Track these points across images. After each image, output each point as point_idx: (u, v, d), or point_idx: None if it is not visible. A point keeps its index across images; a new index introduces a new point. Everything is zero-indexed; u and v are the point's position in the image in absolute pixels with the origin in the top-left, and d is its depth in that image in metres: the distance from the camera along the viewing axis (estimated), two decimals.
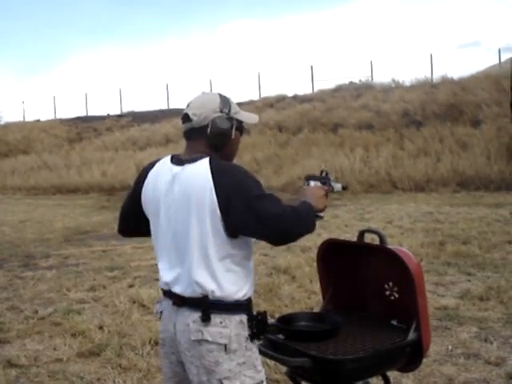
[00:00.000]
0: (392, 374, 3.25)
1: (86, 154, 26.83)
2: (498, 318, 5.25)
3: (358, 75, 29.66)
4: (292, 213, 2.15)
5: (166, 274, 2.25)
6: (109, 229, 12.35)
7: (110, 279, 7.35)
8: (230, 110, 2.28)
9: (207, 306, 2.13)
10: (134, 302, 6.05)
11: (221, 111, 2.26)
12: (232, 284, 2.17)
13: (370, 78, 28.47)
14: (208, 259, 2.14)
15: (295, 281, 6.88)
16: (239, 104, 2.39)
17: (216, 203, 2.10)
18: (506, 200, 13.89)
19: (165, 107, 33.40)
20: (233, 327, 2.16)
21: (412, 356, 2.64)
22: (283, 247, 8.81)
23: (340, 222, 11.24)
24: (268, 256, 8.29)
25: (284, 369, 3.42)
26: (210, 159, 2.17)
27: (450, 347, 4.60)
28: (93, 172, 23.44)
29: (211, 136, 2.24)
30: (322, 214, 2.35)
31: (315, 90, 29.17)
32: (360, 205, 14.33)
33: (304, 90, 30.26)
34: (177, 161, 2.26)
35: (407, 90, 24.67)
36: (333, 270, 3.04)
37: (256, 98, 30.19)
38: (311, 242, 9.18)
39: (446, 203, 14.02)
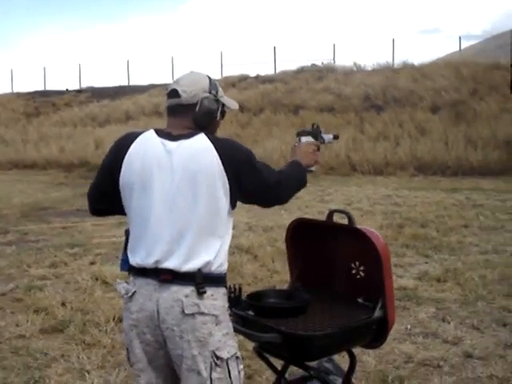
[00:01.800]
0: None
1: (43, 129, 26.24)
2: (455, 299, 5.42)
3: (321, 58, 29.76)
4: (286, 178, 2.37)
5: (151, 250, 2.21)
6: (68, 205, 12.23)
7: (70, 256, 7.30)
8: (217, 93, 2.33)
9: (202, 280, 2.16)
10: (97, 280, 6.03)
11: (209, 92, 2.29)
12: (221, 258, 2.23)
13: (333, 61, 28.60)
14: (210, 234, 2.18)
15: (257, 260, 6.95)
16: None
17: (225, 176, 2.18)
18: (462, 185, 14.22)
19: (125, 84, 32.94)
20: (220, 299, 2.22)
21: (377, 333, 2.71)
22: (245, 227, 8.89)
23: (301, 203, 11.33)
24: None
25: (249, 346, 3.49)
26: (205, 134, 2.22)
27: (408, 326, 4.73)
28: (51, 148, 22.98)
29: (198, 114, 2.27)
30: (313, 169, 2.54)
31: (277, 71, 29.15)
32: (320, 186, 14.46)
33: (266, 70, 30.23)
34: (167, 135, 2.26)
35: (369, 74, 24.86)
36: (301, 249, 3.09)
37: (218, 77, 30.00)
38: (273, 222, 9.29)
39: (404, 187, 14.28)
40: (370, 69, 25.82)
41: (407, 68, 24.47)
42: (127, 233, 2.38)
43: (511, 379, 3.80)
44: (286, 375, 3.04)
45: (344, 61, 41.91)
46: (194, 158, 2.19)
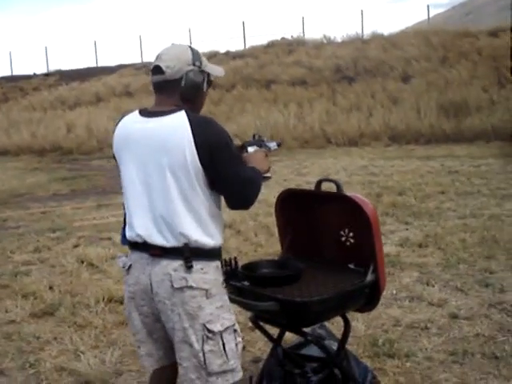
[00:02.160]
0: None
1: (13, 115, 25.75)
2: (437, 263, 5.54)
3: (290, 31, 29.62)
4: (257, 177, 2.33)
5: (140, 226, 2.25)
6: (44, 190, 12.13)
7: (53, 240, 7.26)
8: (201, 64, 2.32)
9: (189, 254, 2.19)
10: (82, 262, 6.03)
11: (193, 64, 2.28)
12: (210, 232, 2.25)
13: (302, 34, 28.51)
14: (190, 209, 2.20)
15: (241, 235, 7.01)
16: None
17: (196, 155, 2.15)
18: (436, 152, 14.39)
19: (93, 65, 32.52)
20: (211, 273, 2.25)
21: (370, 296, 2.79)
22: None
23: (278, 178, 11.35)
24: None
25: (240, 319, 3.56)
26: (185, 112, 2.20)
27: (394, 291, 4.83)
28: (22, 133, 22.59)
29: (184, 89, 2.27)
30: (269, 175, 2.51)
31: (247, 47, 29.02)
32: (296, 160, 14.51)
33: (236, 46, 30.05)
34: (147, 113, 2.28)
35: (339, 46, 24.84)
36: (291, 219, 3.15)
37: None
38: None
39: (380, 157, 14.40)
40: (339, 41, 25.82)
41: (377, 38, 24.50)
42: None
43: (497, 337, 3.92)
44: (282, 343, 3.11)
45: (314, 33, 41.84)
46: (166, 135, 2.19)
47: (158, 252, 2.22)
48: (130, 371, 3.73)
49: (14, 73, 34.00)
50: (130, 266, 2.34)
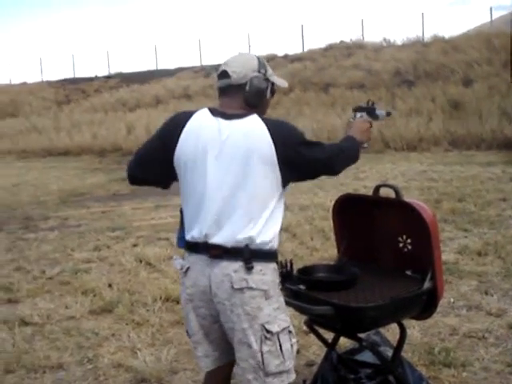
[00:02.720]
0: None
1: (75, 116, 26.57)
2: (497, 272, 5.40)
3: (349, 34, 29.46)
4: (338, 151, 2.45)
5: (203, 226, 2.29)
6: (104, 190, 12.43)
7: (112, 239, 7.44)
8: (266, 72, 2.39)
9: (250, 255, 2.22)
10: (141, 261, 6.15)
11: (259, 71, 2.36)
12: (271, 234, 2.29)
13: (361, 37, 28.27)
14: (258, 210, 2.24)
15: (296, 238, 7.00)
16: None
17: (276, 157, 2.23)
18: (497, 159, 14.02)
19: (153, 68, 33.12)
20: (269, 274, 2.28)
21: (427, 304, 2.75)
22: None
23: (335, 182, 11.28)
24: None
25: (295, 322, 3.56)
26: (258, 115, 2.29)
27: (452, 299, 4.74)
28: (83, 134, 23.25)
29: (249, 94, 2.33)
30: (366, 145, 2.64)
31: (306, 50, 28.98)
32: (354, 164, 14.36)
33: (294, 49, 30.07)
34: (221, 114, 2.32)
35: (398, 49, 24.54)
36: (348, 224, 3.14)
37: None
38: (308, 200, 9.34)
39: (439, 162, 14.13)
40: (399, 43, 25.50)
41: (437, 41, 24.07)
42: (182, 211, 2.46)
43: None
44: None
45: (373, 36, 41.48)
46: (246, 138, 2.25)
47: (218, 252, 2.25)
48: (185, 370, 3.79)
49: (77, 75, 34.98)
50: (187, 268, 2.37)
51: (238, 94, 2.34)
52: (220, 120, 2.31)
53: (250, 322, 2.23)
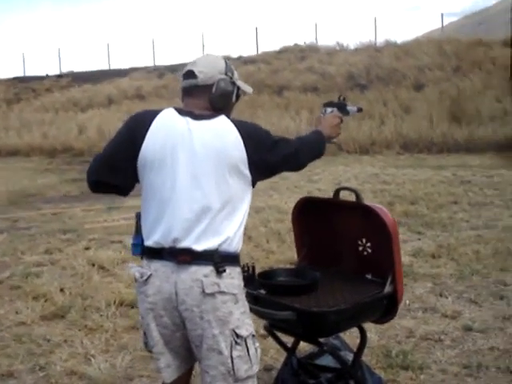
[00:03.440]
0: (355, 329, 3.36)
1: (25, 116, 25.89)
2: (451, 274, 5.48)
3: (303, 38, 29.64)
4: (302, 145, 2.43)
5: (170, 230, 2.20)
6: (55, 191, 12.17)
7: (64, 242, 7.25)
8: (232, 75, 2.36)
9: (220, 259, 2.17)
10: (93, 265, 6.00)
11: (226, 74, 2.32)
12: (238, 236, 2.26)
13: (315, 41, 28.49)
14: (230, 212, 2.21)
15: (252, 241, 6.96)
16: (184, 64, 2.45)
17: (246, 156, 2.20)
18: (448, 162, 14.32)
19: (106, 67, 32.64)
20: (237, 278, 2.24)
21: (388, 308, 2.75)
22: None
23: (289, 184, 11.34)
24: None
25: (255, 324, 3.52)
26: (225, 116, 2.27)
27: (407, 302, 4.78)
28: (33, 134, 22.72)
29: (214, 96, 2.29)
30: (335, 140, 2.67)
31: (260, 52, 29.00)
32: (307, 166, 14.40)
33: (248, 51, 30.08)
34: (189, 114, 2.26)
35: (352, 53, 24.84)
36: (308, 227, 3.12)
37: None
38: (263, 203, 9.32)
39: (391, 165, 14.34)
40: (352, 48, 25.81)
41: (390, 46, 24.49)
42: (138, 216, 2.37)
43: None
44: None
45: (326, 40, 41.86)
46: (217, 138, 2.21)
47: (187, 258, 2.17)
48: (141, 376, 3.70)
49: (27, 74, 34.18)
50: (149, 276, 2.25)
51: (204, 95, 2.29)
52: (189, 120, 2.25)
53: (221, 327, 2.18)
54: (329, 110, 2.76)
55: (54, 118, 24.71)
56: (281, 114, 20.44)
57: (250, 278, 2.61)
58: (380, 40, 26.35)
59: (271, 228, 7.48)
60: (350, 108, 2.83)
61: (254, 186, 2.32)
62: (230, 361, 2.18)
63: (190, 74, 2.30)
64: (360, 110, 2.92)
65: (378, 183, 11.41)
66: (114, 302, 4.78)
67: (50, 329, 4.45)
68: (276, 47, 28.16)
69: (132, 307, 4.76)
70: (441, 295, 4.95)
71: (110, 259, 6.15)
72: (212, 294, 2.16)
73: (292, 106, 21.14)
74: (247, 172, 2.24)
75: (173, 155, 2.21)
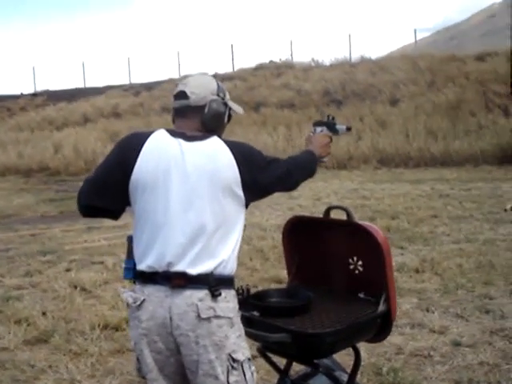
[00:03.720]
0: None
1: None
2: (436, 289, 5.50)
3: (278, 55, 29.84)
4: (294, 165, 2.41)
5: (163, 254, 2.16)
6: (32, 212, 12.01)
7: (44, 264, 7.13)
8: (224, 96, 2.35)
9: (215, 282, 2.13)
10: (75, 287, 5.90)
11: (217, 95, 2.31)
12: (233, 259, 2.23)
13: (290, 58, 28.68)
14: (225, 235, 2.18)
15: None
16: (160, 82, 2.44)
17: (240, 178, 2.18)
18: (425, 176, 14.46)
19: (81, 86, 32.47)
20: (232, 301, 2.21)
21: (381, 327, 2.73)
22: None
23: (269, 201, 11.29)
24: None
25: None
26: (218, 137, 2.24)
27: None
28: (8, 153, 22.47)
29: (207, 117, 2.27)
30: (325, 159, 2.66)
31: (236, 69, 29.10)
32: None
33: (224, 68, 30.17)
34: (182, 136, 2.23)
35: (327, 69, 25.06)
36: (298, 247, 3.09)
37: (176, 76, 29.81)
38: (245, 220, 9.27)
39: (369, 180, 14.45)
40: (328, 64, 26.04)
41: (365, 62, 24.78)
42: (130, 239, 2.33)
43: (501, 365, 3.87)
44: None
45: (302, 57, 42.13)
46: (210, 160, 2.18)
47: (181, 282, 2.13)
48: None
49: (1, 93, 33.83)
50: (142, 301, 2.19)
51: (196, 116, 2.27)
52: (181, 141, 2.21)
53: (217, 352, 2.14)
54: (318, 129, 2.75)
55: (30, 137, 24.48)
56: (258, 130, 20.52)
57: (244, 301, 2.56)
58: (355, 56, 26.70)
59: (254, 245, 7.45)
60: (340, 127, 2.82)
61: (247, 207, 2.30)
62: None
63: (182, 95, 2.28)
64: (349, 128, 2.91)
65: (357, 198, 11.47)
66: (99, 325, 4.69)
67: (34, 354, 4.35)
68: (252, 64, 28.37)
69: (117, 330, 4.69)
70: (427, 310, 4.95)
71: (92, 281, 6.06)
72: (208, 319, 2.13)
73: (269, 122, 21.23)
74: (241, 193, 2.21)
75: (165, 178, 2.18)
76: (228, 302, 2.18)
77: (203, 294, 2.13)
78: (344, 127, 2.84)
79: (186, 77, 2.46)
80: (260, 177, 2.25)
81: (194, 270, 2.14)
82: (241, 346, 2.20)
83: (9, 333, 4.68)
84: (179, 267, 2.14)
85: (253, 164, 2.23)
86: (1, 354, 4.38)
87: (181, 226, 2.16)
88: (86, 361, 4.17)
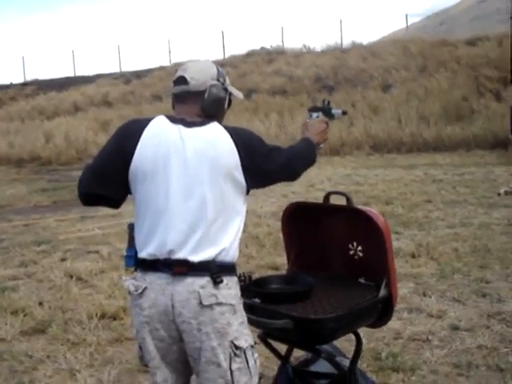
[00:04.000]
0: None
1: None
2: (432, 274, 5.51)
3: (270, 41, 29.68)
4: (297, 155, 2.38)
5: (164, 241, 2.14)
6: (25, 202, 11.94)
7: (39, 254, 7.09)
8: (224, 81, 2.32)
9: (217, 269, 2.12)
10: (71, 277, 5.87)
11: (217, 80, 2.28)
12: (235, 245, 2.21)
13: (281, 44, 28.54)
14: (226, 221, 2.16)
15: None
16: (151, 70, 2.41)
17: (240, 164, 2.16)
18: (418, 161, 14.47)
19: (71, 74, 32.23)
20: (234, 288, 2.19)
21: (382, 312, 2.72)
22: None
23: (264, 189, 11.26)
24: None
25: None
26: (217, 123, 2.20)
27: None
28: None
29: (207, 102, 2.24)
30: (322, 146, 2.60)
31: (227, 56, 28.97)
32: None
33: (215, 55, 30.02)
34: (182, 122, 2.20)
35: (318, 55, 24.97)
36: (297, 233, 3.07)
37: (167, 63, 29.64)
38: None
39: (362, 166, 14.45)
40: (319, 50, 25.96)
41: (356, 48, 24.70)
42: (131, 227, 2.30)
43: (499, 348, 3.88)
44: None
45: (293, 43, 41.98)
46: (210, 145, 2.15)
47: (182, 269, 2.11)
48: None
49: None
50: (144, 289, 2.18)
51: (196, 102, 2.24)
52: (181, 127, 2.19)
53: (219, 339, 2.13)
54: (314, 115, 2.71)
55: (20, 127, 24.35)
56: (250, 117, 20.45)
57: (246, 287, 2.55)
58: (346, 41, 26.59)
59: (249, 233, 7.43)
60: (335, 111, 2.79)
61: (247, 194, 2.27)
62: (229, 373, 2.14)
63: (182, 80, 2.25)
64: (345, 112, 2.89)
65: (351, 184, 11.47)
66: (96, 315, 4.67)
67: (32, 344, 4.32)
68: (243, 51, 28.20)
69: (114, 319, 4.68)
70: (424, 295, 4.96)
71: (88, 270, 6.03)
72: (210, 306, 2.11)
73: (261, 108, 21.18)
74: (242, 179, 2.18)
75: (165, 165, 2.16)
76: (230, 289, 2.17)
77: (205, 281, 2.12)
78: (340, 111, 2.82)
79: (182, 63, 2.43)
80: (261, 163, 2.22)
81: (195, 258, 2.12)
82: (243, 333, 2.19)
83: (5, 324, 4.64)
84: (180, 255, 2.12)
85: (253, 149, 2.21)
86: None
87: (181, 214, 2.13)
88: (85, 350, 4.15)
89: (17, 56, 48.46)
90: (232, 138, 2.17)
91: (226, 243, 2.16)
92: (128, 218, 7.86)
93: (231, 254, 2.19)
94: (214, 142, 2.16)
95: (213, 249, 2.13)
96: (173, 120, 2.22)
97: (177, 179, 2.15)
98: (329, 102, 2.78)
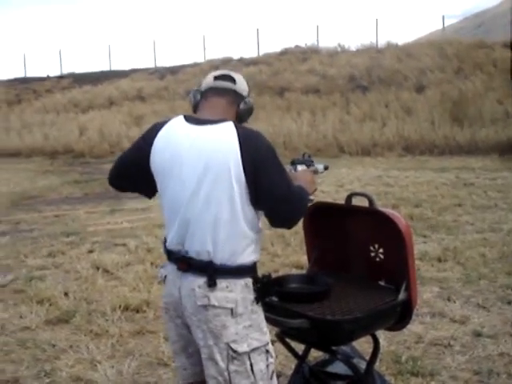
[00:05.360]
0: None
1: (26, 117, 25.86)
2: (458, 278, 5.44)
3: (304, 39, 29.59)
4: (299, 193, 2.26)
5: (174, 237, 2.23)
6: (57, 193, 12.11)
7: (67, 245, 7.20)
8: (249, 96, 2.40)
9: (213, 271, 2.13)
10: (98, 268, 5.96)
11: (248, 95, 2.38)
12: (240, 249, 2.17)
13: (316, 43, 28.42)
14: (233, 225, 2.14)
15: None
16: (185, 66, 2.45)
17: (242, 168, 2.10)
18: (450, 164, 14.26)
19: (107, 68, 32.59)
20: (238, 291, 2.17)
21: (401, 315, 2.70)
22: None
23: None
24: None
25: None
26: (233, 123, 2.18)
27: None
28: (34, 135, 22.70)
29: (242, 109, 2.32)
30: (312, 197, 2.48)
31: (261, 54, 28.94)
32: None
33: (250, 53, 30.03)
34: (194, 120, 2.23)
35: (353, 54, 24.81)
36: (319, 233, 3.07)
37: (201, 60, 29.77)
38: None
39: (393, 167, 14.29)
40: (354, 49, 25.78)
41: (391, 48, 24.47)
42: None
43: None
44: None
45: (328, 42, 41.77)
46: (212, 145, 2.14)
47: (184, 266, 2.20)
48: (148, 383, 3.66)
49: (28, 75, 34.13)
50: (165, 277, 2.33)
51: (233, 102, 2.30)
52: (193, 127, 2.21)
53: (214, 339, 2.15)
54: (299, 167, 2.62)
55: (55, 119, 24.70)
56: (282, 115, 20.41)
57: (265, 289, 2.48)
58: (381, 41, 26.37)
59: (275, 231, 7.39)
60: (318, 166, 2.75)
61: (254, 205, 2.17)
62: (226, 374, 2.15)
63: (228, 78, 2.33)
64: (326, 167, 2.85)
65: (381, 185, 11.37)
66: (120, 307, 4.74)
67: (55, 334, 4.41)
68: (277, 49, 28.13)
69: (137, 311, 4.74)
70: (448, 300, 4.91)
71: (114, 262, 6.11)
72: (204, 306, 2.15)
73: (293, 107, 21.11)
74: (242, 183, 2.11)
75: (174, 164, 2.20)
76: (230, 292, 2.15)
77: (202, 281, 2.15)
78: (322, 166, 2.78)
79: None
80: (263, 176, 2.12)
81: (196, 257, 2.17)
82: (248, 336, 2.16)
83: (31, 312, 4.74)
84: (184, 252, 2.20)
85: (259, 158, 2.12)
86: (22, 333, 4.44)
87: (186, 213, 2.17)
88: (107, 341, 4.22)
89: (54, 49, 49.11)
90: (239, 139, 2.11)
91: (229, 246, 2.15)
92: (157, 213, 7.95)
93: (238, 258, 2.17)
94: (219, 143, 2.13)
95: (213, 250, 2.14)
96: (188, 119, 2.25)
97: (183, 179, 2.17)
98: (309, 156, 2.72)
